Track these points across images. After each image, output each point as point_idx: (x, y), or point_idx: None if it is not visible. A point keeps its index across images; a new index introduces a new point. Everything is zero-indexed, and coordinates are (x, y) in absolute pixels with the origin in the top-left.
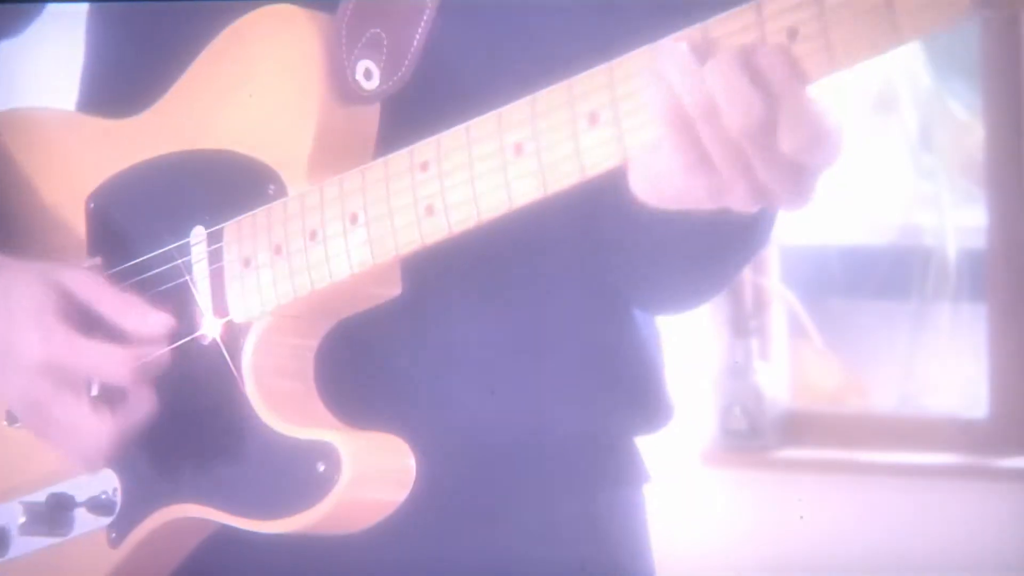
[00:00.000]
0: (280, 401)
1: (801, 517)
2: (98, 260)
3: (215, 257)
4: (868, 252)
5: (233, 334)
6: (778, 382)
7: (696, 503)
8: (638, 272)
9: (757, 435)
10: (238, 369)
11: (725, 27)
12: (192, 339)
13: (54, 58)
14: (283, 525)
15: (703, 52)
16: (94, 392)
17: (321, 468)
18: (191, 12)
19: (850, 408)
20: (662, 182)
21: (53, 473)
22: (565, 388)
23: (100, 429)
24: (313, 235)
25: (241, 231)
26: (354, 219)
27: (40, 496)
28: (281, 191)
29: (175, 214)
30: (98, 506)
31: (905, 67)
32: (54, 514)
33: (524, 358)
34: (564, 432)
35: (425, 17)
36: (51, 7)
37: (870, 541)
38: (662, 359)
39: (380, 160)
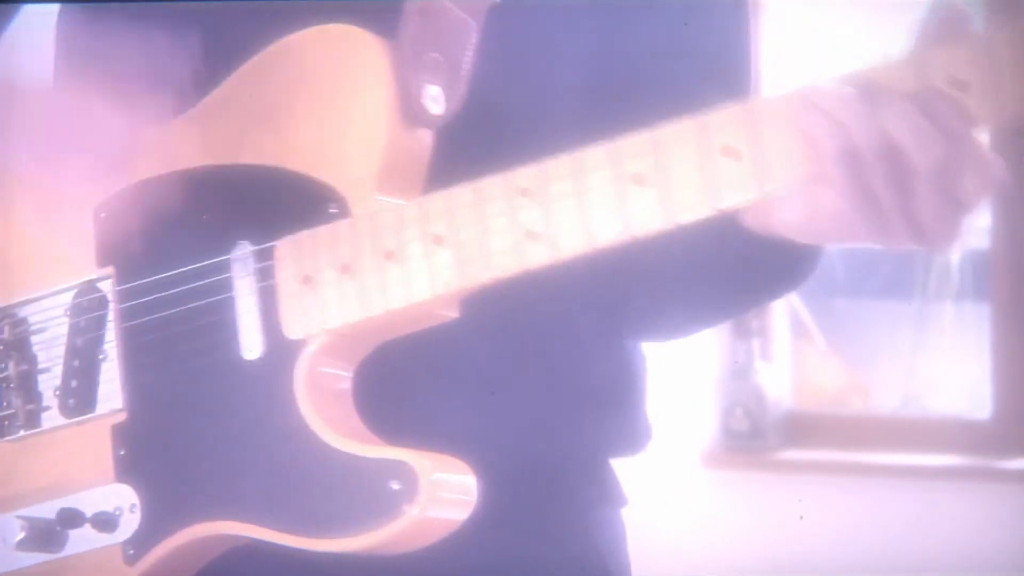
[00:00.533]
0: (331, 417)
1: (801, 517)
2: (111, 269)
3: (265, 274)
4: (870, 252)
5: (283, 351)
6: (780, 383)
7: (697, 504)
8: (658, 300)
9: (759, 436)
10: (289, 386)
11: (886, 75)
12: (233, 355)
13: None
14: (346, 544)
15: (871, 97)
16: None
17: (395, 487)
18: (211, 22)
19: (852, 409)
20: (823, 221)
21: (53, 486)
22: (552, 408)
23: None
24: (389, 255)
25: (300, 248)
26: (439, 240)
27: (46, 511)
28: (344, 211)
29: (209, 229)
30: (104, 522)
31: None
32: (58, 530)
33: (519, 378)
34: (550, 452)
35: (472, 39)
36: (27, 8)
37: (873, 543)
38: (645, 382)
39: (467, 186)
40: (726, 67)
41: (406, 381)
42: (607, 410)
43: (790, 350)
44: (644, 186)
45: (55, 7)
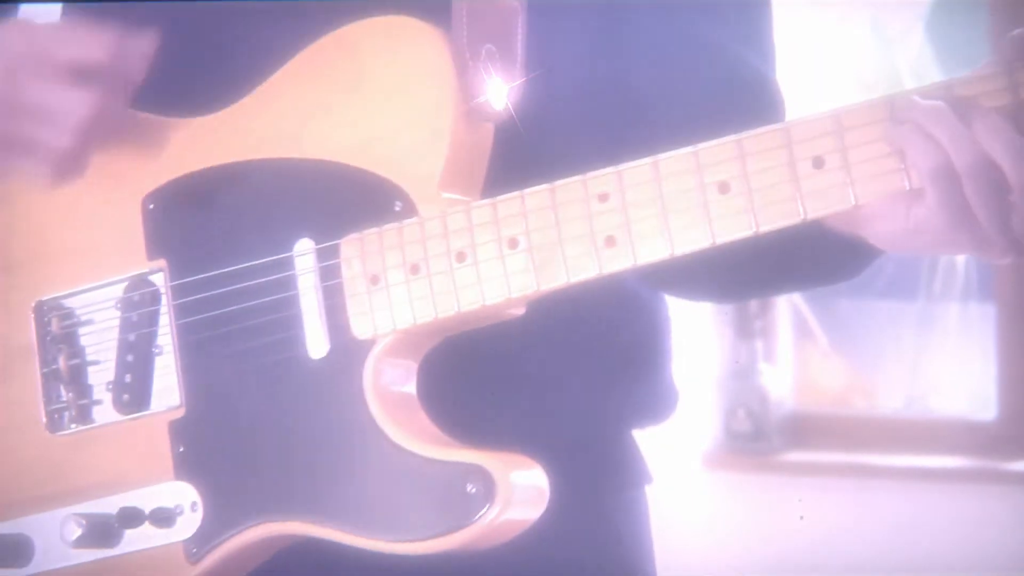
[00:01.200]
0: (400, 417)
1: (801, 517)
2: (163, 263)
3: (330, 273)
4: None
5: (350, 351)
6: (783, 384)
7: (699, 507)
8: (709, 262)
9: (761, 437)
10: (359, 387)
11: (973, 88)
12: (298, 353)
13: None
14: (425, 547)
15: (963, 112)
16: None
17: (472, 490)
18: (272, 16)
19: (856, 410)
20: (922, 236)
21: (106, 483)
22: (579, 373)
23: (79, 100)
24: (461, 256)
25: (365, 247)
26: (513, 244)
27: (104, 507)
28: (410, 209)
29: (268, 224)
30: (163, 519)
31: (911, 61)
32: (117, 528)
33: (541, 343)
34: (573, 427)
35: (520, 25)
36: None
37: (876, 545)
38: (671, 342)
39: (544, 187)
40: (752, 69)
41: (434, 364)
42: (634, 372)
43: (793, 351)
44: (728, 195)
45: (56, 7)
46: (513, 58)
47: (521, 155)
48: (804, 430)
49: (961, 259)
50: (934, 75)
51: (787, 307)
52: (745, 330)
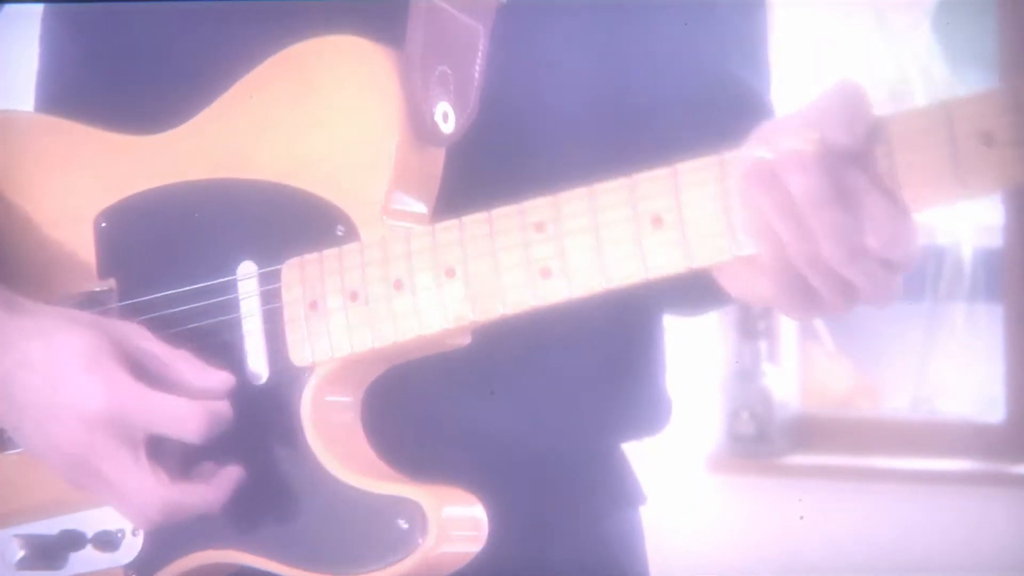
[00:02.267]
0: (339, 448)
1: (801, 517)
2: (112, 282)
3: (270, 297)
4: None
5: (289, 377)
6: (787, 385)
7: (703, 510)
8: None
9: (765, 440)
10: (296, 415)
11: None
12: (239, 379)
13: (7, 62)
14: None
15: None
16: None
17: (404, 525)
18: (221, 33)
19: (861, 412)
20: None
21: (51, 504)
22: (566, 387)
23: (155, 493)
24: (399, 284)
25: (305, 272)
26: (450, 273)
27: (47, 528)
28: (352, 233)
29: (214, 245)
30: (106, 543)
31: (919, 58)
32: (59, 550)
33: (530, 359)
34: (572, 438)
35: (480, 50)
36: (7, 8)
37: (882, 550)
38: (664, 349)
39: (481, 215)
40: (742, 75)
41: (408, 378)
42: (624, 382)
43: (797, 352)
44: (662, 227)
45: (37, 7)
46: (469, 80)
47: (490, 175)
48: (808, 432)
49: (968, 259)
50: (941, 71)
51: None
52: (748, 331)
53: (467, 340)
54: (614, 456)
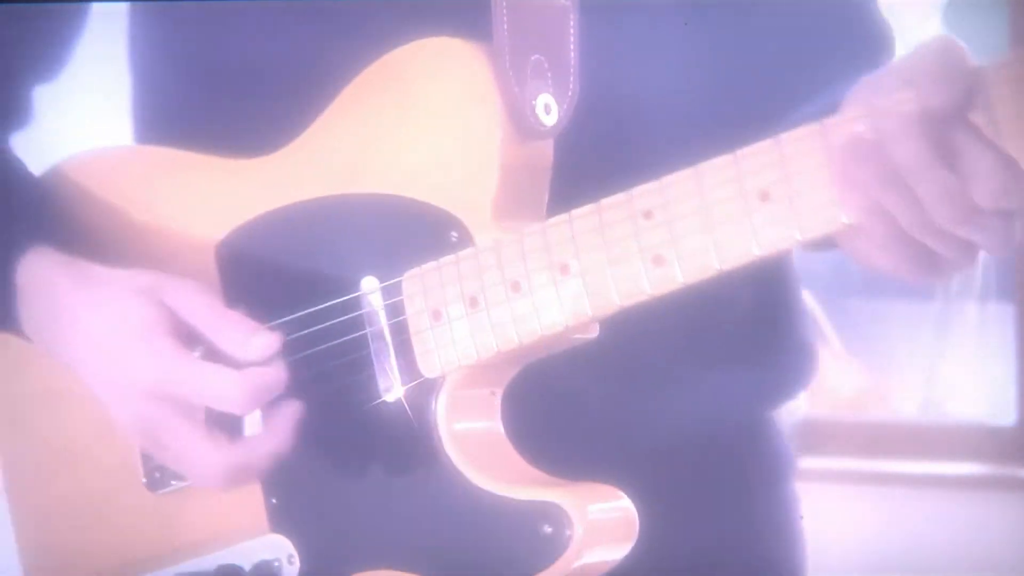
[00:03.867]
0: (479, 456)
1: (801, 517)
2: (241, 310)
3: (395, 310)
4: None
5: (422, 390)
6: None
7: None
8: None
9: None
10: (432, 426)
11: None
12: (373, 397)
13: (92, 100)
14: None
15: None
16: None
17: (548, 530)
18: (314, 46)
19: (871, 415)
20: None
21: (208, 540)
22: (718, 353)
23: (215, 458)
24: (516, 286)
25: (425, 282)
26: (565, 270)
27: (205, 565)
28: (465, 238)
29: (335, 263)
30: (265, 574)
31: None
32: None
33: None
34: (723, 413)
35: (572, 30)
36: (85, 49)
37: (891, 553)
38: (801, 299)
39: (591, 207)
40: (855, 41)
41: (545, 374)
42: (768, 337)
43: None
44: (769, 202)
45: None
46: (565, 65)
47: (599, 165)
48: (817, 435)
49: (979, 257)
50: None
51: None
52: None
53: (595, 332)
54: (766, 426)
